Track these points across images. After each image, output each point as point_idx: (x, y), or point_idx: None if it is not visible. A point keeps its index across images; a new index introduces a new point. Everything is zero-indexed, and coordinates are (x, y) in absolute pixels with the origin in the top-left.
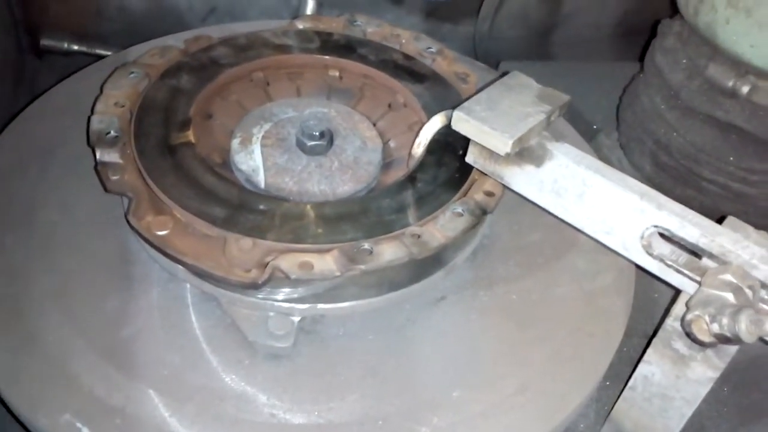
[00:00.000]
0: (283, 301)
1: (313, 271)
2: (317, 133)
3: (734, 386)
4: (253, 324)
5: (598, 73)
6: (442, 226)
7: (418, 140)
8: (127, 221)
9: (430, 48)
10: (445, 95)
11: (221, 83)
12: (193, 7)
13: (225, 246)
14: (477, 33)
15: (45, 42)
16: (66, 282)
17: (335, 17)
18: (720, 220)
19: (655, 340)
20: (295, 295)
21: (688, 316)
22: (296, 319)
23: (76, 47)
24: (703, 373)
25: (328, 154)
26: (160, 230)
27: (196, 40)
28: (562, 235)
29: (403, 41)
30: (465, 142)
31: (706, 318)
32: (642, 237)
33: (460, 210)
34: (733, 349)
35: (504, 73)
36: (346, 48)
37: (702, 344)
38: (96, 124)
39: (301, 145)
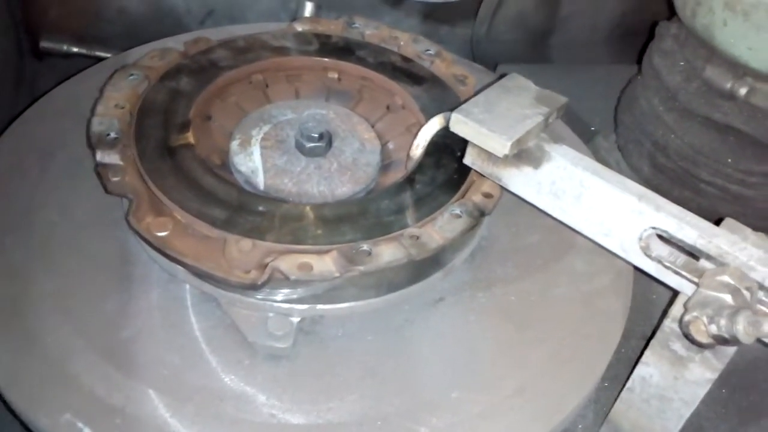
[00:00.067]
0: (282, 301)
1: (312, 272)
2: (316, 135)
3: (732, 388)
4: (253, 324)
5: (596, 75)
6: (441, 227)
7: (416, 142)
8: (128, 222)
9: (428, 50)
10: (443, 97)
11: (220, 85)
12: (191, 10)
13: (225, 247)
14: (475, 35)
15: (45, 44)
16: (66, 283)
17: (333, 20)
18: (718, 222)
19: (653, 342)
20: (295, 296)
21: (686, 318)
22: (295, 319)
23: (75, 49)
24: (701, 375)
25: (326, 156)
26: (160, 231)
27: (195, 43)
28: (560, 236)
29: (402, 43)
30: (463, 143)
31: (704, 319)
32: (640, 238)
33: (458, 211)
34: (731, 350)
35: (502, 76)
36: (345, 50)
37: (700, 345)
38: (96, 125)
39: (300, 147)
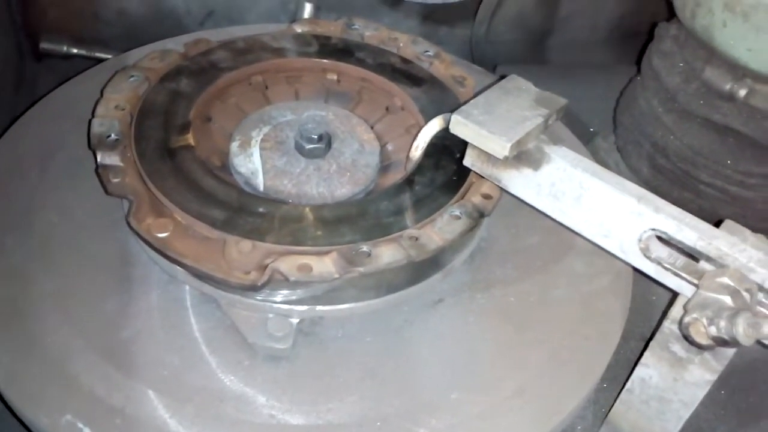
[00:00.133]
0: (282, 302)
1: (312, 273)
2: (315, 136)
3: (732, 389)
4: (253, 325)
5: (595, 76)
6: (440, 228)
7: (415, 143)
8: (128, 223)
9: (427, 51)
10: (442, 98)
11: (220, 86)
12: (191, 11)
13: (225, 248)
14: (474, 36)
15: (44, 45)
16: (66, 283)
17: (333, 21)
18: (717, 224)
19: (652, 343)
20: (294, 297)
21: (686, 319)
22: (295, 320)
23: (75, 50)
24: (700, 376)
25: (326, 157)
26: (161, 232)
27: (195, 44)
28: (560, 238)
29: (401, 45)
30: (462, 145)
31: (704, 321)
32: (640, 240)
33: (457, 213)
34: (730, 352)
35: (502, 77)
36: (344, 52)
37: (700, 347)
38: (97, 127)
39: (299, 148)
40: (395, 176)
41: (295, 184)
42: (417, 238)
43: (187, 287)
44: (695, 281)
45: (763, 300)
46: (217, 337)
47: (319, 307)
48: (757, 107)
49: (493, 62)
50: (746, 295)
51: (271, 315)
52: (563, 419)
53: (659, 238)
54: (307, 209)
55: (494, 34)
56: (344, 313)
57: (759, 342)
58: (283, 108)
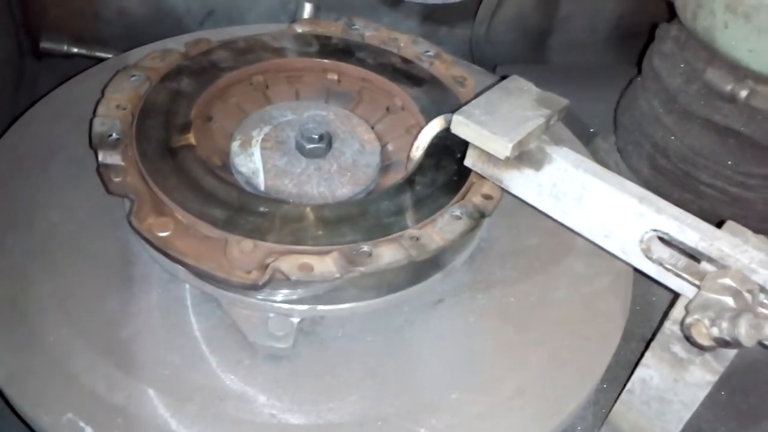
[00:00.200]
0: (283, 302)
1: (313, 273)
2: (316, 136)
3: (732, 390)
4: (254, 325)
5: (595, 76)
6: (441, 228)
7: (416, 143)
8: (129, 223)
9: (427, 51)
10: (442, 98)
11: (221, 86)
12: (191, 11)
13: (226, 247)
14: (474, 36)
15: (45, 44)
16: (67, 282)
17: (333, 21)
18: (719, 225)
19: (653, 344)
20: (295, 297)
21: (688, 320)
22: (296, 320)
23: (75, 50)
24: (701, 377)
25: (326, 157)
26: (162, 232)
27: (196, 44)
28: (560, 238)
29: (401, 45)
30: (463, 145)
31: (706, 322)
32: (641, 241)
33: (458, 213)
34: (731, 353)
35: (503, 77)
36: (345, 52)
37: (701, 348)
38: (98, 126)
39: (300, 148)
40: (396, 176)
41: (295, 183)
42: (418, 238)
43: (188, 286)
44: (697, 282)
45: (765, 301)
46: (217, 336)
47: (319, 307)
48: (758, 108)
49: (493, 62)
50: (748, 296)
51: (271, 314)
52: (563, 420)
53: (661, 238)
54: (308, 209)
55: (494, 34)
56: (345, 313)
57: (760, 343)
58: (284, 108)
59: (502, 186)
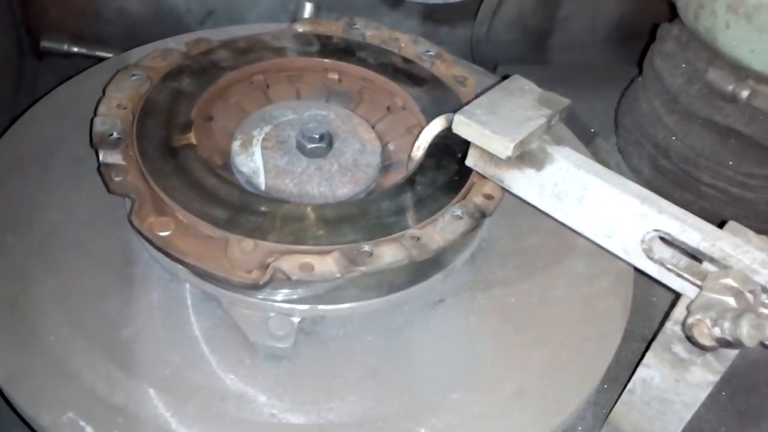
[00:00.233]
0: (283, 301)
1: (313, 273)
2: (317, 136)
3: (733, 390)
4: (254, 324)
5: (595, 76)
6: (442, 228)
7: (417, 143)
8: (130, 222)
9: (428, 51)
10: (443, 98)
11: (222, 86)
12: (191, 10)
13: (227, 247)
14: (474, 36)
15: (45, 43)
16: (67, 282)
17: (334, 21)
18: (720, 225)
19: (654, 344)
20: (296, 296)
21: (690, 320)
22: (296, 319)
23: (76, 49)
24: (702, 377)
25: (327, 157)
26: (163, 231)
27: (196, 43)
28: (561, 238)
29: (402, 44)
30: (464, 145)
31: (708, 322)
32: (642, 241)
33: (459, 213)
34: (733, 353)
35: (505, 77)
36: (346, 51)
37: (703, 348)
38: (99, 125)
39: (301, 148)
40: (396, 176)
41: (296, 183)
42: (418, 238)
43: (188, 286)
44: (698, 282)
45: (767, 301)
46: (218, 335)
47: (320, 307)
48: (759, 108)
49: (494, 62)
50: (750, 296)
51: (272, 314)
52: (564, 420)
53: (662, 239)
54: (309, 208)
55: (495, 34)
56: (345, 313)
57: (762, 343)
58: (285, 107)
59: (503, 186)
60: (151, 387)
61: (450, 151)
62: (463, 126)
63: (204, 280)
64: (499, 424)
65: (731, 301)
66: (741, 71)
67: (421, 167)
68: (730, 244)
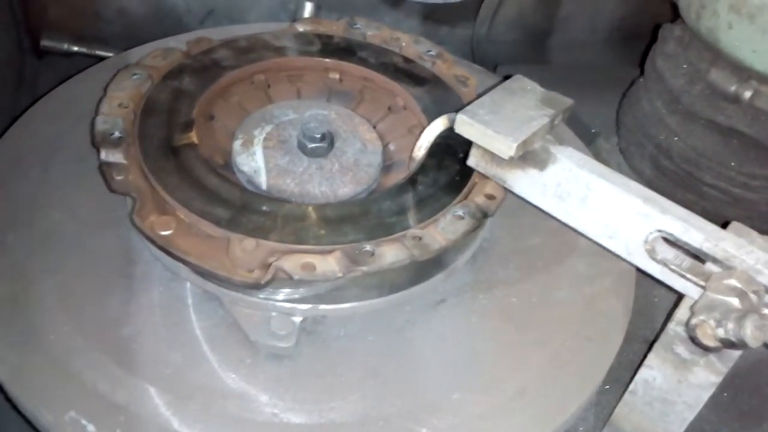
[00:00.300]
0: (285, 301)
1: (315, 272)
2: (318, 136)
3: (734, 391)
4: (255, 324)
5: (596, 76)
6: (443, 228)
7: (419, 143)
8: (131, 221)
9: (429, 51)
10: (445, 98)
11: (223, 85)
12: (191, 10)
13: (228, 246)
14: (475, 36)
15: (45, 43)
16: (68, 280)
17: (335, 20)
18: (724, 225)
19: (656, 345)
20: (297, 296)
21: (693, 321)
22: (298, 319)
23: (76, 48)
24: (705, 378)
25: (328, 156)
26: (164, 230)
27: (197, 43)
28: (562, 239)
29: (403, 44)
30: (466, 145)
31: (711, 323)
32: (645, 241)
33: (461, 213)
34: (735, 353)
35: (507, 77)
36: (347, 51)
37: (706, 349)
38: (100, 124)
39: (302, 147)
40: (397, 176)
41: (297, 183)
42: (420, 238)
43: (190, 285)
44: (702, 283)
45: None
46: (219, 335)
47: (321, 306)
48: (762, 109)
49: (494, 62)
50: (753, 297)
51: (274, 313)
52: (565, 420)
53: (665, 239)
54: (311, 208)
55: (495, 34)
56: (347, 313)
57: (766, 344)
58: (286, 107)
59: (505, 186)
60: (152, 386)
61: (451, 151)
62: (466, 126)
63: (205, 279)
64: (500, 424)
65: (735, 301)
66: (743, 72)
67: (423, 167)
68: (734, 245)
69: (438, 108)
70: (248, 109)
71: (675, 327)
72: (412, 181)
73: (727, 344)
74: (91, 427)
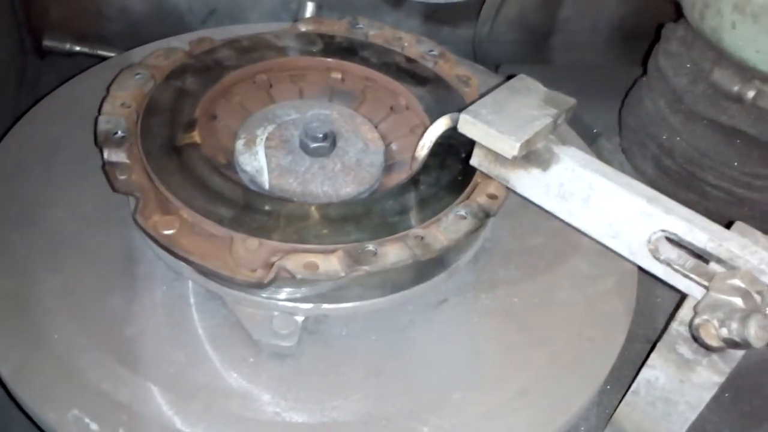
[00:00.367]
0: (287, 300)
1: (318, 272)
2: (320, 135)
3: (736, 391)
4: (258, 323)
5: (597, 76)
6: (446, 228)
7: (421, 142)
8: (135, 220)
9: (432, 51)
10: (447, 98)
11: (225, 85)
12: (193, 9)
13: (231, 246)
14: (477, 36)
15: (47, 43)
16: (71, 280)
17: (337, 20)
18: (728, 225)
19: (659, 345)
20: (300, 295)
21: (697, 321)
22: (300, 318)
23: (78, 48)
24: (708, 378)
25: (330, 156)
26: (167, 229)
27: (200, 42)
28: (564, 239)
29: (405, 44)
30: (468, 144)
31: (715, 323)
32: (649, 241)
33: (463, 213)
34: (739, 353)
35: (509, 77)
36: (349, 51)
37: (710, 349)
38: (103, 124)
39: (304, 147)
40: (399, 176)
41: (300, 182)
42: (422, 238)
43: (192, 284)
44: (705, 283)
45: None
46: (222, 334)
47: (324, 306)
48: (765, 109)
49: (496, 62)
50: (757, 297)
51: (276, 312)
52: (567, 420)
53: (669, 239)
54: (313, 208)
55: (497, 33)
56: (349, 312)
57: None
58: (288, 107)
59: (508, 186)
60: (155, 385)
61: (454, 150)
62: (469, 125)
63: (208, 279)
64: (502, 423)
65: (739, 301)
66: (747, 72)
67: (425, 167)
68: (738, 245)
69: (440, 108)
70: (250, 108)
71: (678, 327)
72: (414, 180)
73: (731, 344)
74: (94, 426)
